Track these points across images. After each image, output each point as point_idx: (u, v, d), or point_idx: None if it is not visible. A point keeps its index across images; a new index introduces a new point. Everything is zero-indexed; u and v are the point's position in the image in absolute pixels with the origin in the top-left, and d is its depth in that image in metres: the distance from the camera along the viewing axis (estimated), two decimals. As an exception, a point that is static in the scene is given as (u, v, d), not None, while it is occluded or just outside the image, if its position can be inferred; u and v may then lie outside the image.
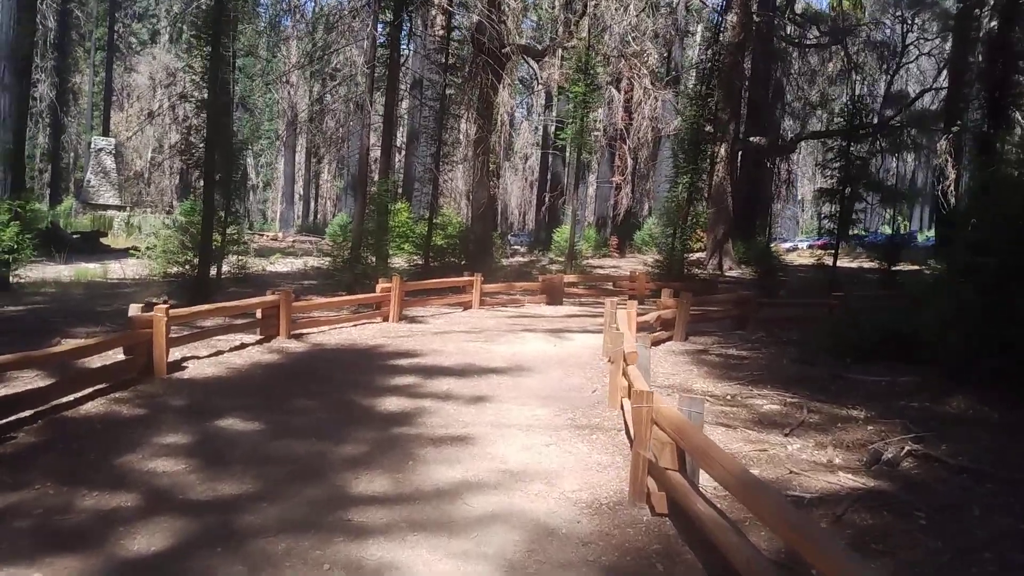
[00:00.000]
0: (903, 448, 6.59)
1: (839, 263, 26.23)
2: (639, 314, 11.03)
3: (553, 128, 43.24)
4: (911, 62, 41.46)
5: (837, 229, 22.44)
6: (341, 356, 10.16)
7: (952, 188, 33.26)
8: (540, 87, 37.68)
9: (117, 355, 8.32)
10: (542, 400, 8.18)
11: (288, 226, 54.05)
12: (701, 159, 19.03)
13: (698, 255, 26.31)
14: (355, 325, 12.46)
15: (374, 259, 16.95)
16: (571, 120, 22.31)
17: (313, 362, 9.72)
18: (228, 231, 26.86)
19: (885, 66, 39.97)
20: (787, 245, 45.68)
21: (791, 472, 5.87)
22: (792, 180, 37.06)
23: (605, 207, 39.65)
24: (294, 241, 41.52)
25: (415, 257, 20.27)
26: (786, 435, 7.12)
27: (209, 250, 15.20)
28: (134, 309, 8.51)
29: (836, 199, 21.81)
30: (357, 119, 18.69)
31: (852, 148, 22.13)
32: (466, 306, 15.11)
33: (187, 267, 15.46)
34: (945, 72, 37.92)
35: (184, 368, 8.84)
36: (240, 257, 20.93)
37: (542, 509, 5.08)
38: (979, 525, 4.82)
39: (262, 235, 47.46)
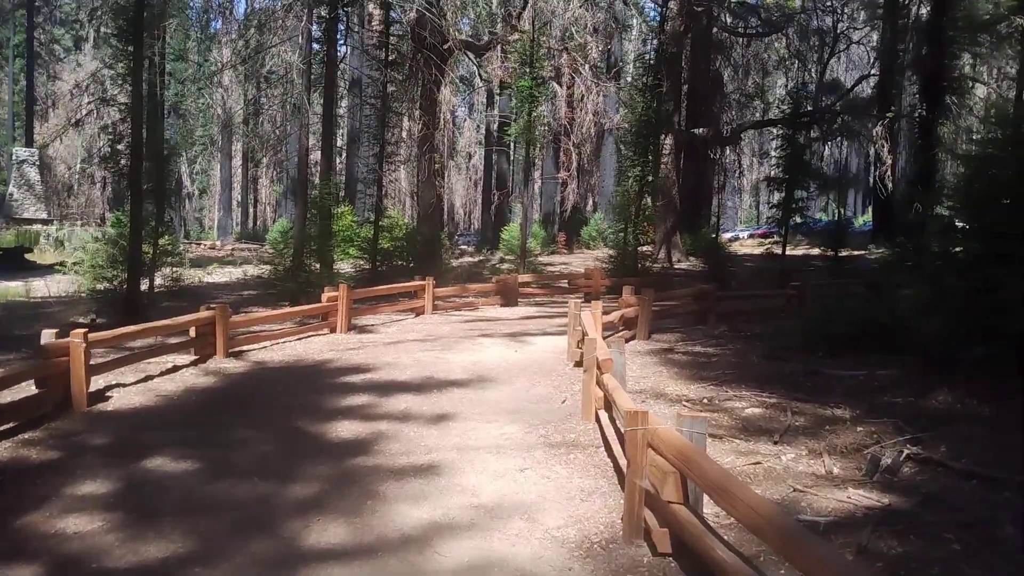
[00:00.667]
0: (901, 452, 6.07)
1: (762, 251, 26.22)
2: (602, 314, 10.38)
3: (496, 125, 42.56)
4: (844, 50, 41.96)
5: (782, 217, 22.28)
6: (286, 375, 9.26)
7: (889, 173, 33.68)
8: (482, 84, 36.99)
9: (29, 388, 7.30)
10: (510, 415, 7.45)
11: (227, 234, 52.18)
12: (650, 151, 18.54)
13: (646, 248, 25.96)
14: (300, 339, 11.53)
15: (318, 266, 16.00)
16: (516, 116, 21.61)
17: (255, 383, 8.80)
18: (161, 242, 25.52)
19: (817, 56, 40.39)
20: (729, 235, 45.86)
21: (795, 490, 5.26)
22: (735, 171, 37.07)
23: (551, 204, 39.15)
24: (233, 249, 39.95)
25: (361, 262, 19.32)
26: (776, 442, 6.54)
27: (139, 264, 14.04)
28: (47, 335, 7.51)
29: (782, 187, 21.63)
30: (295, 120, 17.69)
31: (795, 136, 21.99)
32: (418, 312, 14.29)
33: (115, 283, 14.25)
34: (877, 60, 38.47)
35: (108, 398, 7.84)
36: (174, 269, 19.73)
37: (526, 554, 4.35)
38: (1018, 546, 4.27)
39: (199, 244, 45.68)
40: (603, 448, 6.37)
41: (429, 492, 5.33)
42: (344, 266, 21.63)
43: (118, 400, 7.81)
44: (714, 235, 26.64)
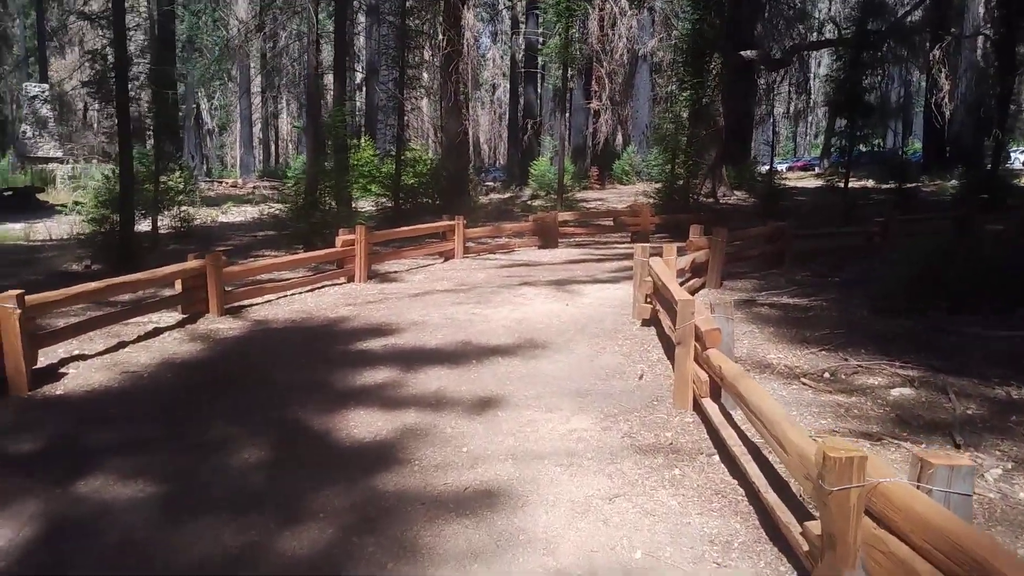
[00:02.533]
0: None
1: (823, 183, 23.80)
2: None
3: (522, 54, 39.75)
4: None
5: (847, 146, 19.84)
6: (289, 339, 7.39)
7: (947, 100, 30.71)
8: (508, 5, 34.15)
9: (-47, 367, 5.51)
10: (576, 398, 5.55)
11: (249, 172, 50.22)
12: (705, 72, 16.16)
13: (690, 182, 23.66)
14: (312, 289, 9.65)
15: (335, 204, 14.02)
16: (550, 35, 19.18)
17: (249, 353, 6.95)
18: (172, 180, 23.64)
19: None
20: (766, 168, 43.18)
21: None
22: (785, 97, 34.23)
23: (581, 136, 36.58)
24: (254, 187, 38.00)
25: (383, 199, 17.35)
26: (959, 446, 4.60)
27: (131, 203, 12.17)
28: (-26, 298, 5.66)
29: (845, 113, 19.14)
30: (314, 49, 15.56)
31: (861, 57, 19.35)
32: (448, 256, 12.33)
33: (111, 225, 12.43)
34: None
35: (60, 376, 6.03)
36: (183, 209, 17.90)
37: None
38: None
39: (221, 182, 43.87)
40: (717, 457, 4.46)
41: (481, 545, 3.47)
42: (364, 204, 19.67)
43: (72, 379, 6.00)
44: (767, 167, 24.21)
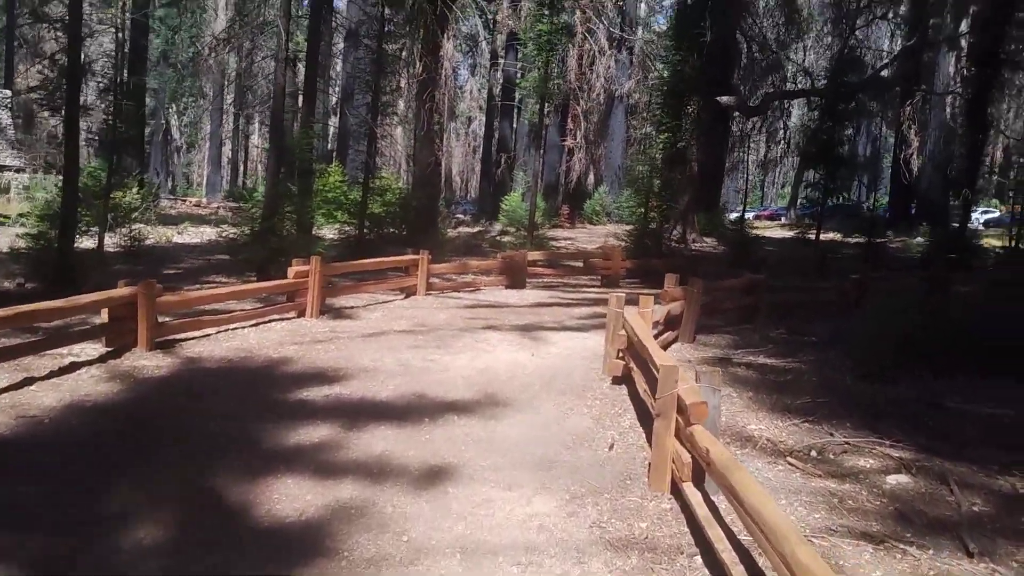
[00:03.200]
0: None
1: (795, 234, 23.61)
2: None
3: (499, 89, 39.55)
4: (865, 25, 39.01)
5: (821, 197, 19.64)
6: (222, 383, 6.60)
7: (915, 156, 31.01)
8: (488, 38, 33.96)
9: None
10: (538, 471, 4.86)
11: (215, 191, 49.01)
12: (684, 115, 15.81)
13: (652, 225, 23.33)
14: (257, 324, 8.85)
15: (295, 230, 13.26)
16: (528, 69, 18.76)
17: (174, 397, 6.14)
18: (129, 195, 22.64)
19: (838, 30, 37.42)
20: (735, 215, 43.31)
21: None
22: (757, 145, 34.31)
23: (554, 174, 36.28)
24: (218, 207, 36.93)
25: (347, 228, 16.61)
26: (971, 554, 3.99)
27: (72, 219, 11.30)
28: None
29: (821, 166, 18.94)
30: (282, 67, 14.88)
31: (838, 107, 19.23)
32: (410, 292, 11.61)
33: (44, 241, 11.51)
34: (898, 36, 35.53)
35: (-58, 421, 5.19)
36: (133, 228, 16.96)
37: None
38: None
39: (185, 200, 42.78)
40: (700, 559, 3.80)
41: None
42: (329, 232, 18.91)
43: (-44, 423, 5.16)
44: (735, 214, 23.98)
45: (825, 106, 18.78)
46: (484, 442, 5.36)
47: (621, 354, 7.06)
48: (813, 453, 5.54)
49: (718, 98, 24.28)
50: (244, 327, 8.68)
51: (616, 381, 7.06)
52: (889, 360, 7.89)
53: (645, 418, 5.99)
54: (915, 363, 7.77)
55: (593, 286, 14.29)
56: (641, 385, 6.14)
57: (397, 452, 5.07)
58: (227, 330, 8.48)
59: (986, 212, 42.08)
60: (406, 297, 11.57)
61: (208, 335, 8.20)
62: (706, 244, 23.59)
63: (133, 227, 16.93)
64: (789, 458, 5.36)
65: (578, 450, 5.35)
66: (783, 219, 43.26)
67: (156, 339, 7.37)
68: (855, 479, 5.02)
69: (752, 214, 46.79)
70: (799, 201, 51.48)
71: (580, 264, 14.85)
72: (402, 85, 20.78)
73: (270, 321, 9.09)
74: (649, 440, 5.47)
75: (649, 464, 4.78)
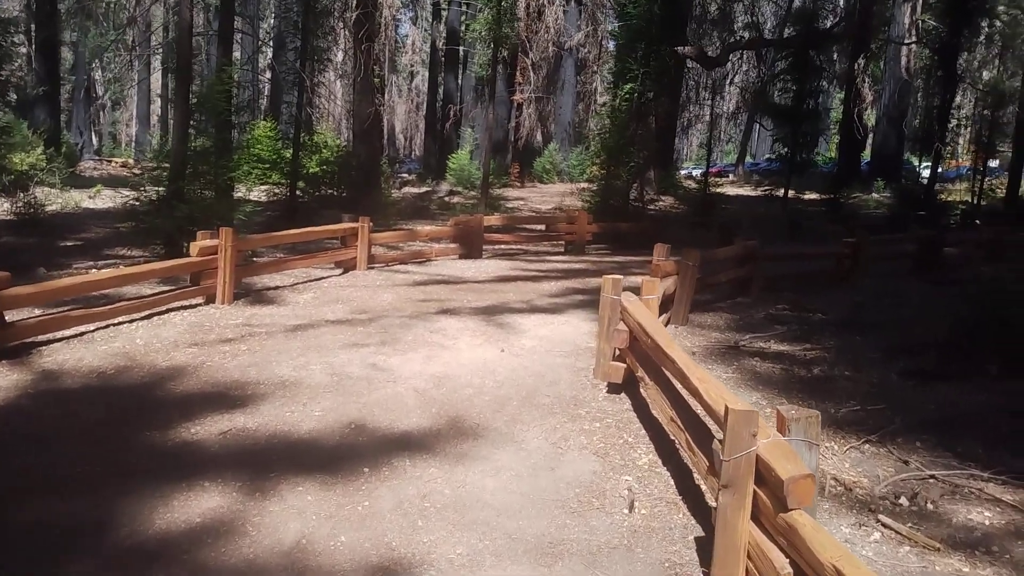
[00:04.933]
0: None
1: (761, 192, 22.28)
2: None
3: (443, 42, 37.01)
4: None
5: (790, 154, 18.18)
6: (81, 413, 4.63)
7: (869, 109, 29.88)
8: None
9: None
10: (539, 568, 3.12)
11: (145, 152, 45.37)
12: (652, 62, 13.99)
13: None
14: (151, 315, 6.82)
15: (212, 194, 11.06)
16: (475, 17, 16.63)
17: (3, 442, 4.18)
18: (33, 155, 20.09)
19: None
20: (683, 172, 41.94)
21: None
22: (718, 97, 32.72)
23: (502, 131, 34.18)
24: (146, 168, 33.81)
25: (277, 190, 14.46)
26: None
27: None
28: None
29: (792, 119, 17.43)
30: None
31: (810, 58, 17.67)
32: (348, 266, 9.64)
33: None
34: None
35: None
36: (27, 192, 14.50)
37: None
38: None
39: (111, 162, 39.39)
40: None
41: None
42: (260, 194, 16.64)
43: None
44: (702, 172, 22.47)
45: (795, 57, 17.24)
46: (451, 508, 3.58)
47: (620, 354, 5.34)
48: (903, 501, 3.94)
49: (676, 48, 22.49)
50: (134, 321, 6.64)
51: (613, 388, 5.35)
52: (944, 353, 6.35)
53: (666, 449, 4.31)
54: (984, 359, 6.21)
55: (557, 253, 12.53)
56: (654, 398, 4.45)
57: (320, 540, 3.25)
58: (111, 325, 6.44)
59: (927, 167, 41.64)
60: (344, 272, 9.60)
61: (83, 335, 6.15)
62: (665, 203, 22.03)
63: (29, 193, 14.48)
64: (881, 516, 3.73)
65: (587, 515, 3.61)
66: (731, 176, 42.11)
67: (9, 343, 5.34)
68: (987, 551, 3.42)
69: (699, 171, 45.54)
70: (759, 158, 50.56)
71: (543, 228, 13.03)
72: (338, 30, 18.39)
73: (169, 311, 7.06)
74: (679, 487, 3.78)
75: (714, 559, 3.06)
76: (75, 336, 6.10)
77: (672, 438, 4.19)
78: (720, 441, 3.01)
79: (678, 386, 4.19)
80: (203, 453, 4.07)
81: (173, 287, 7.53)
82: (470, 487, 3.81)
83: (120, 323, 6.54)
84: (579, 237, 12.49)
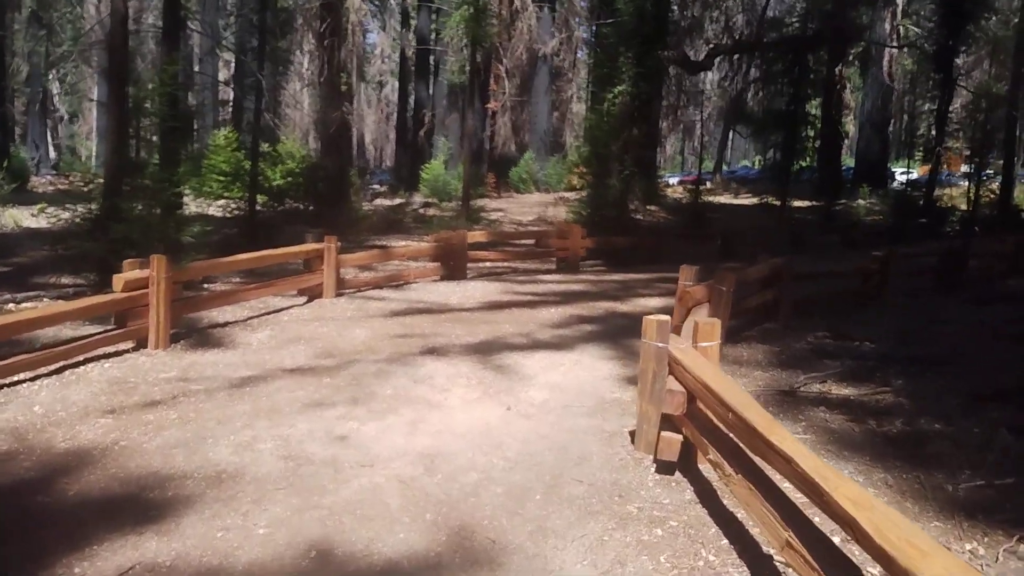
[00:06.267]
0: None
1: (759, 201, 21.23)
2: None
3: (412, 51, 35.68)
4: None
5: (782, 161, 17.11)
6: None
7: (853, 116, 29.09)
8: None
9: None
10: None
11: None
12: (646, 59, 12.76)
13: (581, 193, 20.45)
14: (62, 369, 5.33)
15: (158, 211, 9.54)
16: (445, 22, 15.29)
17: None
18: None
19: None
20: (667, 180, 40.94)
21: None
22: (699, 103, 31.82)
23: (476, 140, 32.85)
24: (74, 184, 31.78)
25: (233, 205, 12.97)
26: None
27: None
28: None
29: (788, 123, 16.36)
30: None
31: (800, 62, 16.63)
32: (314, 294, 8.19)
33: None
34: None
35: None
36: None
37: None
38: None
39: (67, 177, 37.29)
40: None
41: None
42: (217, 210, 15.08)
43: None
44: (692, 180, 21.37)
45: (790, 60, 16.20)
46: None
47: (668, 422, 4.01)
48: None
49: (660, 52, 21.39)
50: (39, 378, 5.15)
51: (664, 467, 4.00)
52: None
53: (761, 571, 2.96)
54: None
55: (549, 271, 11.19)
56: (746, 500, 3.11)
57: None
58: (4, 387, 4.94)
59: (905, 173, 41.08)
60: (308, 301, 8.15)
61: (-43, 401, 4.65)
62: (652, 213, 20.85)
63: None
64: None
65: None
66: (708, 183, 41.25)
67: None
68: None
69: (676, 179, 44.55)
70: (733, 165, 49.81)
71: (531, 244, 11.69)
72: (301, 30, 16.93)
73: (88, 361, 5.56)
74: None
75: None
76: (-49, 403, 4.60)
77: (731, 513, 2.86)
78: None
79: (787, 486, 2.88)
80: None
81: (97, 330, 6.04)
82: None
83: (20, 381, 5.04)
84: (573, 253, 11.17)
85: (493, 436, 4.42)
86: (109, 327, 6.00)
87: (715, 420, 3.58)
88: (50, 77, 48.37)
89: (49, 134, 48.80)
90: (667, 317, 4.20)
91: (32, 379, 5.11)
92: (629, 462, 4.10)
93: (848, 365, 6.33)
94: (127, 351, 5.87)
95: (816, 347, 6.97)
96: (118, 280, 5.73)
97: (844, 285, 9.50)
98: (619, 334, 7.02)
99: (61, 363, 5.36)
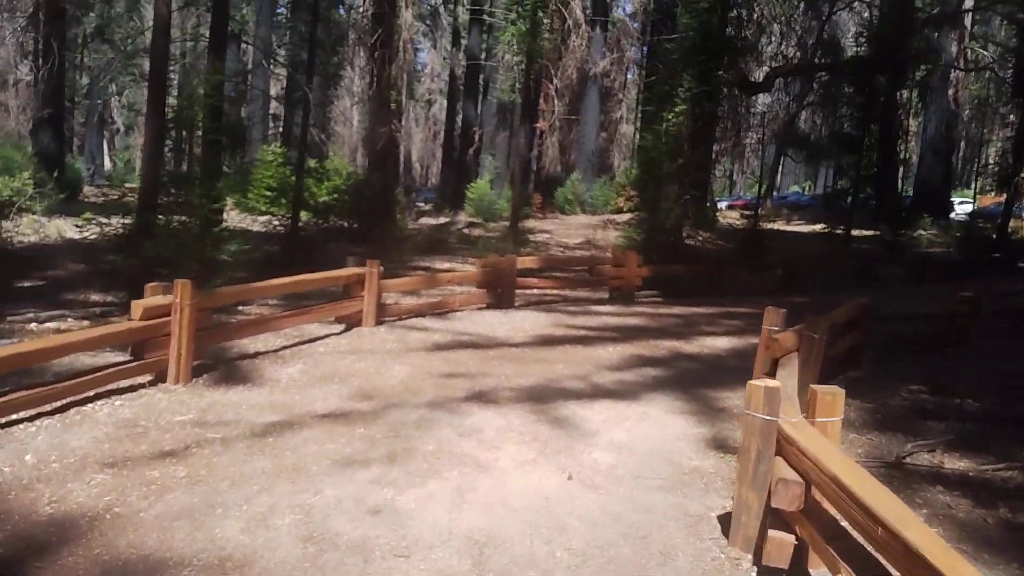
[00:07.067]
0: None
1: (822, 229, 20.16)
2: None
3: (462, 70, 35.38)
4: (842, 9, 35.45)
5: (853, 187, 16.07)
6: None
7: (914, 143, 27.72)
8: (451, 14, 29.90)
9: None
10: None
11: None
12: (711, 76, 11.98)
13: (628, 216, 19.59)
14: (67, 407, 4.73)
15: (195, 226, 9.04)
16: (514, 18, 14.68)
17: None
18: (19, 179, 18.45)
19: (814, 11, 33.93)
20: (721, 204, 39.78)
21: None
22: (751, 126, 30.79)
23: (524, 160, 32.26)
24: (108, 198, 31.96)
25: (276, 222, 12.49)
26: None
27: None
28: None
29: (855, 147, 15.35)
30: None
31: (871, 83, 15.61)
32: (352, 321, 7.55)
33: None
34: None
35: None
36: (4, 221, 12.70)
37: None
38: None
39: (120, 188, 37.79)
40: None
41: None
42: (260, 226, 14.65)
43: None
44: (751, 205, 20.41)
45: (860, 81, 15.21)
46: None
47: (777, 517, 3.19)
48: None
49: (718, 72, 20.52)
50: (39, 417, 4.55)
51: (769, 573, 3.18)
52: None
53: None
54: None
55: (600, 302, 10.38)
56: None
57: None
58: (1, 427, 4.35)
59: (963, 203, 39.22)
60: (347, 330, 7.49)
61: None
62: (703, 238, 19.90)
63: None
64: None
65: None
66: (759, 209, 39.97)
67: None
68: None
69: (725, 203, 43.33)
70: (783, 190, 48.40)
71: (583, 271, 10.91)
72: (352, 45, 16.54)
73: (99, 397, 4.96)
74: None
75: None
76: (-63, 447, 4.01)
77: None
78: None
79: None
80: None
81: (116, 360, 5.45)
82: None
83: (18, 421, 4.45)
84: (628, 283, 10.36)
85: (554, 514, 3.65)
86: (127, 358, 5.40)
87: (846, 522, 2.77)
88: (109, 90, 49.41)
89: (106, 145, 49.76)
90: (777, 383, 3.39)
91: (32, 418, 4.51)
92: (724, 564, 3.29)
93: (955, 428, 5.41)
94: (143, 385, 5.26)
95: (913, 404, 6.05)
96: (136, 307, 5.12)
97: (926, 327, 8.52)
98: (688, 381, 6.20)
99: (68, 399, 4.76)
